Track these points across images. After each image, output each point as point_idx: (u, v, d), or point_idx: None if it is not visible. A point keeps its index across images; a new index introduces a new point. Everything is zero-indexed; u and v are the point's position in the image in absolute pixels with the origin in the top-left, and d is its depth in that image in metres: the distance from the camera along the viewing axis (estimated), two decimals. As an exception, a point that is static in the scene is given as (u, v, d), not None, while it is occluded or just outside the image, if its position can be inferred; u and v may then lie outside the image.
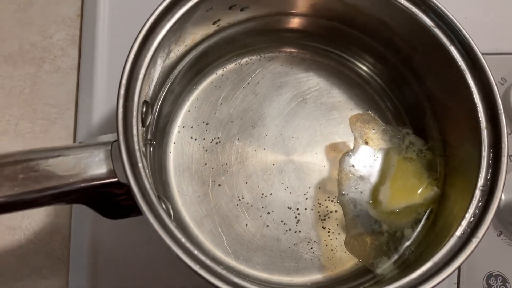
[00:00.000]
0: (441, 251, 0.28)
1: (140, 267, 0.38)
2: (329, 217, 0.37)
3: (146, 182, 0.28)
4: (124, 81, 0.29)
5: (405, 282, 0.27)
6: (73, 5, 0.48)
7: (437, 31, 0.33)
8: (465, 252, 0.28)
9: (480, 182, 0.30)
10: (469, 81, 0.32)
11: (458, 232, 0.29)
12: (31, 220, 0.41)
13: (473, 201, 0.30)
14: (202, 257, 0.27)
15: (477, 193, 0.30)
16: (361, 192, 0.38)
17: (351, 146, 0.39)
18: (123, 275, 0.39)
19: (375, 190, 0.37)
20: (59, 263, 0.40)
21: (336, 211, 0.38)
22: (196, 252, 0.27)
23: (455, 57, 0.33)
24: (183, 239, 0.27)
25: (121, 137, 0.28)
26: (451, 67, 0.33)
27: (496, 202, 0.29)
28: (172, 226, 0.27)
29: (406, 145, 0.39)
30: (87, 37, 0.46)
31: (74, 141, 0.43)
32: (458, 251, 0.28)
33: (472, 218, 0.29)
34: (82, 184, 0.28)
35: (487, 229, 0.28)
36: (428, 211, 0.36)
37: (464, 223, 0.29)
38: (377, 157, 0.39)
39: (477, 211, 0.29)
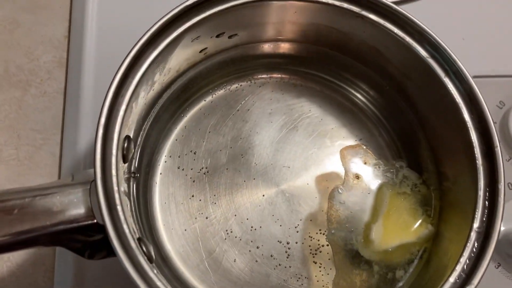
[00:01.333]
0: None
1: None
2: (320, 251, 0.36)
3: (124, 226, 0.26)
4: (102, 121, 0.27)
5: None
6: (61, 26, 0.47)
7: (431, 61, 0.32)
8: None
9: (476, 224, 0.29)
10: (464, 115, 0.31)
11: (452, 278, 0.28)
12: (13, 252, 0.39)
13: (468, 244, 0.28)
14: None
15: (473, 235, 0.29)
16: (351, 230, 0.36)
17: (343, 178, 0.38)
18: (108, 309, 0.37)
19: (367, 228, 0.35)
20: (41, 296, 0.38)
21: (327, 245, 0.36)
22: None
23: (450, 89, 0.32)
24: (161, 286, 0.26)
25: (98, 180, 0.26)
26: (446, 99, 0.32)
27: (492, 245, 0.28)
28: (150, 273, 0.26)
29: (399, 180, 0.37)
30: (74, 59, 0.45)
31: (60, 168, 0.42)
32: (453, 299, 0.27)
33: (467, 262, 0.28)
34: (59, 227, 0.27)
35: (482, 276, 0.27)
36: (421, 250, 0.35)
37: (458, 268, 0.28)
38: (368, 193, 0.37)
39: (472, 254, 0.28)
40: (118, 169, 0.28)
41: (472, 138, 0.31)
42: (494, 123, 0.33)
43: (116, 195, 0.27)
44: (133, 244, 0.26)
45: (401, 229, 0.35)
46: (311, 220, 0.37)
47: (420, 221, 0.35)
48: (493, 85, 0.43)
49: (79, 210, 0.28)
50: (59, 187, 0.28)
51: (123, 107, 0.29)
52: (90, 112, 0.42)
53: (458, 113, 0.31)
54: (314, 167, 0.38)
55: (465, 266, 0.28)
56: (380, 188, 0.37)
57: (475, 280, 0.27)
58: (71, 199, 0.28)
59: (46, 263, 0.39)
